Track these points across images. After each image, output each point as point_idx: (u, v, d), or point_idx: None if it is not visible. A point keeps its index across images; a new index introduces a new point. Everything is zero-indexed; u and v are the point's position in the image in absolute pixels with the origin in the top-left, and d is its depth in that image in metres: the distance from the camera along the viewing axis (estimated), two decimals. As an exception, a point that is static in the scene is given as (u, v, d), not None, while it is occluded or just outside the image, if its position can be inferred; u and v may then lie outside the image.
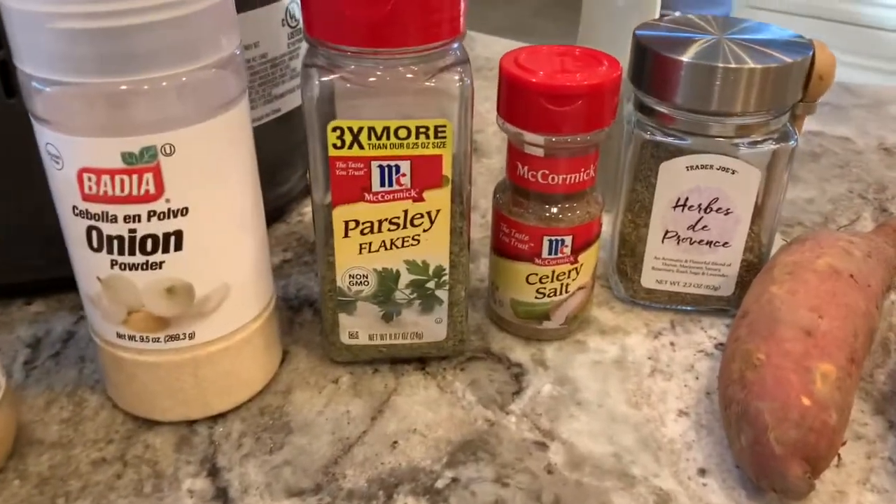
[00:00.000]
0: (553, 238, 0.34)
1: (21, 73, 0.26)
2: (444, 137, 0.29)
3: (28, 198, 0.33)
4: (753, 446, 0.28)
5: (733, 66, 0.32)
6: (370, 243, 0.31)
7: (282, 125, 0.42)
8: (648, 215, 0.36)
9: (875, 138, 0.57)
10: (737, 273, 0.37)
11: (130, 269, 0.28)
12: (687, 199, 0.35)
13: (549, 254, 0.34)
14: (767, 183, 0.35)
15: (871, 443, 0.31)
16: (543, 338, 0.37)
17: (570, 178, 0.33)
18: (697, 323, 0.38)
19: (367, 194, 0.30)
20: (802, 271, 0.32)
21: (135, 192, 0.26)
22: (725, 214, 0.35)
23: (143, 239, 0.27)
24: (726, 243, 0.36)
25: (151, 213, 0.27)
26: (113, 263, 0.28)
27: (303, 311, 0.38)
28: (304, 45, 0.30)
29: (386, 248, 0.32)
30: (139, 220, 0.27)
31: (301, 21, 0.35)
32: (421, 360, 0.35)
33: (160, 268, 0.28)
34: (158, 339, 0.30)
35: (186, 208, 0.27)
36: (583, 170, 0.33)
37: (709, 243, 0.36)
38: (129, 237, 0.27)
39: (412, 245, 0.32)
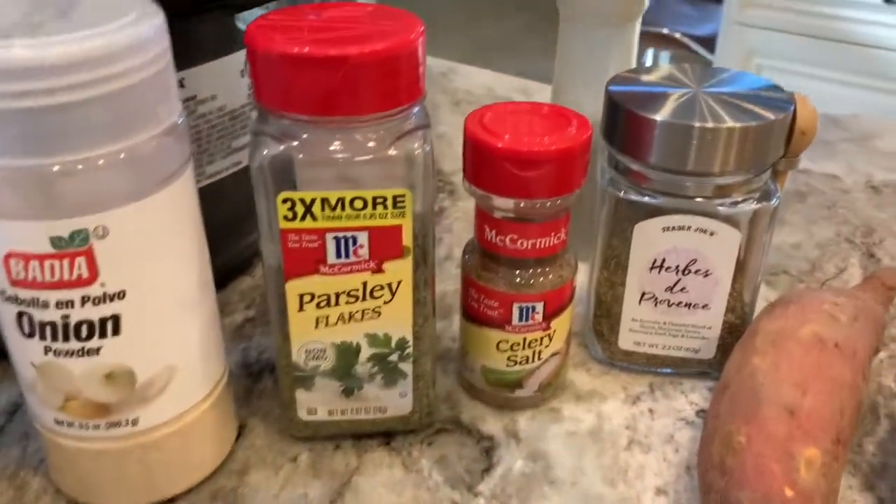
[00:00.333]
0: (523, 305, 0.32)
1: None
2: (404, 207, 0.28)
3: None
4: (734, 539, 0.26)
5: (710, 125, 0.30)
6: (327, 317, 0.30)
7: (244, 176, 0.40)
8: (625, 273, 0.35)
9: (863, 175, 0.55)
10: (718, 335, 0.35)
11: (65, 356, 0.26)
12: (664, 260, 0.34)
13: (520, 321, 0.32)
14: (748, 243, 0.33)
15: (860, 524, 0.30)
16: (516, 406, 0.35)
17: (541, 242, 0.31)
18: (678, 386, 0.36)
19: (322, 266, 0.29)
20: (786, 341, 0.31)
21: (66, 277, 0.25)
22: (704, 276, 0.34)
23: (78, 325, 0.25)
24: (706, 305, 0.34)
25: (85, 299, 0.25)
26: (47, 350, 0.26)
27: (263, 379, 0.36)
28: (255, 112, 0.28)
29: (344, 322, 0.30)
30: (72, 306, 0.25)
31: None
32: (386, 433, 0.33)
33: (97, 353, 0.26)
34: (99, 426, 0.28)
35: (124, 291, 0.25)
36: (553, 234, 0.31)
37: (688, 305, 0.35)
38: (63, 323, 0.25)
39: (372, 318, 0.30)
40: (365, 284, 0.29)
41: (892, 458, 0.32)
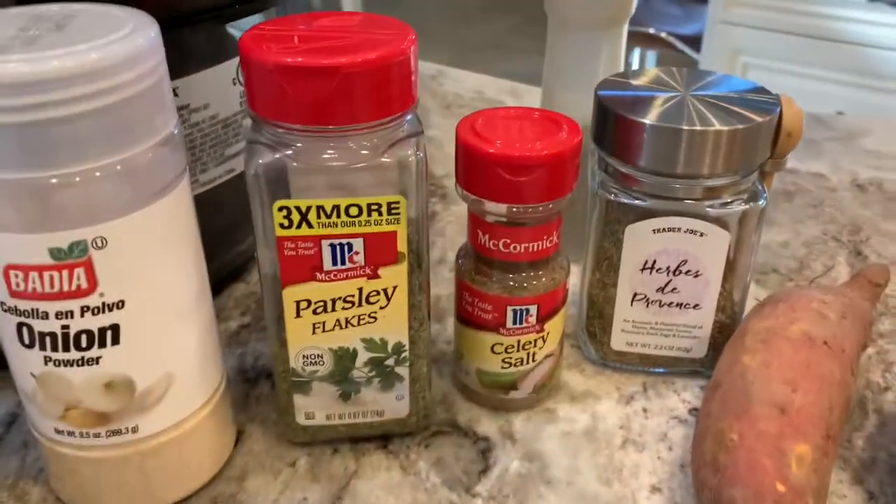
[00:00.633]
0: (517, 308, 0.33)
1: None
2: (398, 213, 0.28)
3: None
4: (728, 535, 0.26)
5: (699, 128, 0.31)
6: (324, 322, 0.30)
7: (237, 184, 0.40)
8: (616, 274, 0.35)
9: (848, 174, 0.56)
10: (709, 334, 0.36)
11: (65, 366, 0.26)
12: (655, 261, 0.34)
13: (514, 324, 0.33)
14: (738, 243, 0.34)
15: (850, 517, 0.30)
16: (511, 408, 0.35)
17: (533, 246, 0.32)
18: (670, 385, 0.37)
19: (318, 273, 0.29)
20: (776, 339, 0.31)
21: (65, 288, 0.25)
22: (695, 277, 0.34)
23: (77, 335, 0.26)
24: (697, 305, 0.35)
25: (85, 309, 0.25)
26: (46, 360, 0.26)
27: (259, 384, 0.36)
28: (248, 120, 0.29)
29: (341, 327, 0.30)
30: (72, 316, 0.25)
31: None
32: (383, 436, 0.33)
33: (97, 363, 0.26)
34: (99, 434, 0.28)
35: (122, 301, 0.26)
36: (546, 237, 0.32)
37: (679, 305, 0.35)
38: (63, 333, 0.26)
39: (369, 323, 0.30)
40: (361, 290, 0.29)
41: (881, 453, 0.33)
